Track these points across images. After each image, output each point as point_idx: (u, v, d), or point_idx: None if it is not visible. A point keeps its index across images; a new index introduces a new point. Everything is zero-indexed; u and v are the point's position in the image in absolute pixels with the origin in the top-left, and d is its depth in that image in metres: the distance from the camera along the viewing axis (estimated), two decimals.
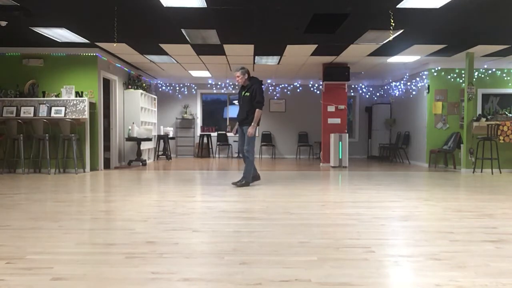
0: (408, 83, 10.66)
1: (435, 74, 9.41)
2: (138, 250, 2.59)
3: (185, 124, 12.68)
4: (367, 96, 12.87)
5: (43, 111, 7.60)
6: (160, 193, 5.23)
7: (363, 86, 12.79)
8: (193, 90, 12.65)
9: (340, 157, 9.20)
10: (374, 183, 6.29)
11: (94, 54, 7.92)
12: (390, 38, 6.66)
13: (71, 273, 2.16)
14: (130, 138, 9.15)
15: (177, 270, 2.22)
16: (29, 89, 7.80)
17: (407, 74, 10.66)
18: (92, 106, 7.90)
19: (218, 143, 12.42)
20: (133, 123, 9.37)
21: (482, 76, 9.56)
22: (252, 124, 5.66)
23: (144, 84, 10.25)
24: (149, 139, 9.41)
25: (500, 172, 8.15)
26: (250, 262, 2.36)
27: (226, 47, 7.70)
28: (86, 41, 7.25)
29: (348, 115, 11.27)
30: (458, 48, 7.92)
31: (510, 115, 8.68)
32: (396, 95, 11.57)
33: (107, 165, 8.63)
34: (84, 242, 2.81)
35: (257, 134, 5.97)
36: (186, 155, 12.76)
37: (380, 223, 3.42)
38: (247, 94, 5.73)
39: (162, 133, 11.09)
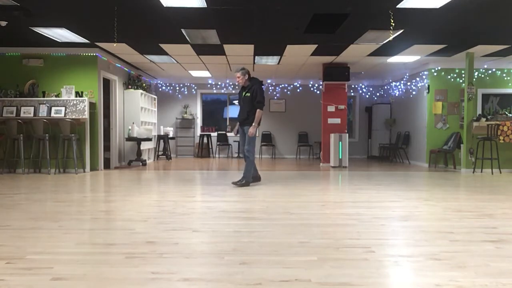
0: (408, 83, 10.66)
1: (435, 74, 9.41)
2: (138, 250, 2.59)
3: (185, 124, 12.68)
4: (367, 96, 12.87)
5: (43, 111, 7.60)
6: (160, 193, 5.23)
7: (363, 86, 12.79)
8: (193, 90, 12.65)
9: (340, 157, 9.20)
10: (374, 183, 6.29)
11: (94, 54, 7.92)
12: (390, 38, 6.66)
13: (71, 273, 2.16)
14: (130, 138, 9.15)
15: (177, 270, 2.22)
16: (29, 89, 7.81)
17: (407, 74, 10.66)
18: (92, 106, 7.90)
19: (218, 143, 12.42)
20: (133, 123, 9.37)
21: (482, 76, 9.56)
22: (253, 124, 5.67)
23: (144, 84, 10.26)
24: (149, 139, 9.41)
25: (500, 172, 8.15)
26: (250, 262, 2.36)
27: (226, 47, 7.70)
28: (86, 41, 7.25)
29: (348, 115, 11.27)
30: (458, 48, 7.92)
31: (510, 115, 8.68)
32: (396, 95, 11.57)
33: (107, 165, 8.63)
34: (84, 242, 2.81)
35: (257, 134, 5.98)
36: (186, 155, 12.76)
37: (380, 223, 3.42)
38: (248, 94, 5.74)
39: (162, 133, 11.09)
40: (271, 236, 2.99)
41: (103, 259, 2.43)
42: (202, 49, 7.93)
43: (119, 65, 9.17)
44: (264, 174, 7.07)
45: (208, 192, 5.23)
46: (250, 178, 5.82)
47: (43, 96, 7.79)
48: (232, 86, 12.58)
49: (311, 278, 2.09)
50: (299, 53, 8.31)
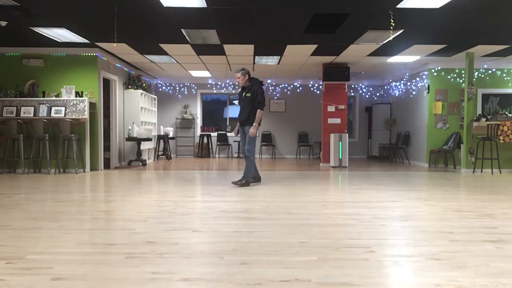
0: (408, 83, 10.66)
1: (435, 74, 9.41)
2: (138, 250, 2.59)
3: (185, 124, 12.68)
4: (367, 96, 12.87)
5: (43, 111, 7.60)
6: (160, 193, 5.23)
7: (363, 86, 12.79)
8: (193, 90, 12.65)
9: (340, 157, 9.20)
10: (374, 183, 6.29)
11: (94, 54, 7.92)
12: (390, 38, 6.66)
13: (71, 273, 2.16)
14: (130, 138, 9.15)
15: (177, 270, 2.22)
16: (29, 89, 7.81)
17: (407, 74, 10.66)
18: (92, 106, 7.90)
19: (218, 143, 12.42)
20: (133, 123, 9.37)
21: (482, 76, 9.56)
22: (254, 124, 5.68)
23: (144, 84, 10.26)
24: (149, 139, 9.41)
25: (500, 172, 8.15)
26: (250, 262, 2.36)
27: (226, 47, 7.70)
28: (86, 41, 7.25)
29: (348, 115, 11.27)
30: (458, 48, 7.92)
31: (510, 115, 8.68)
32: (396, 95, 11.57)
33: (107, 165, 8.63)
34: (84, 242, 2.81)
35: (258, 134, 5.99)
36: (186, 155, 12.76)
37: (380, 223, 3.42)
38: (248, 95, 5.76)
39: (162, 133, 11.09)
40: (271, 236, 2.99)
41: (103, 259, 2.43)
42: (202, 49, 7.93)
43: (119, 65, 9.17)
44: (264, 174, 7.08)
45: (208, 192, 5.23)
46: (250, 178, 5.82)
47: (43, 96, 7.79)
48: (232, 86, 12.58)
49: (311, 278, 2.09)
50: (299, 53, 8.31)
